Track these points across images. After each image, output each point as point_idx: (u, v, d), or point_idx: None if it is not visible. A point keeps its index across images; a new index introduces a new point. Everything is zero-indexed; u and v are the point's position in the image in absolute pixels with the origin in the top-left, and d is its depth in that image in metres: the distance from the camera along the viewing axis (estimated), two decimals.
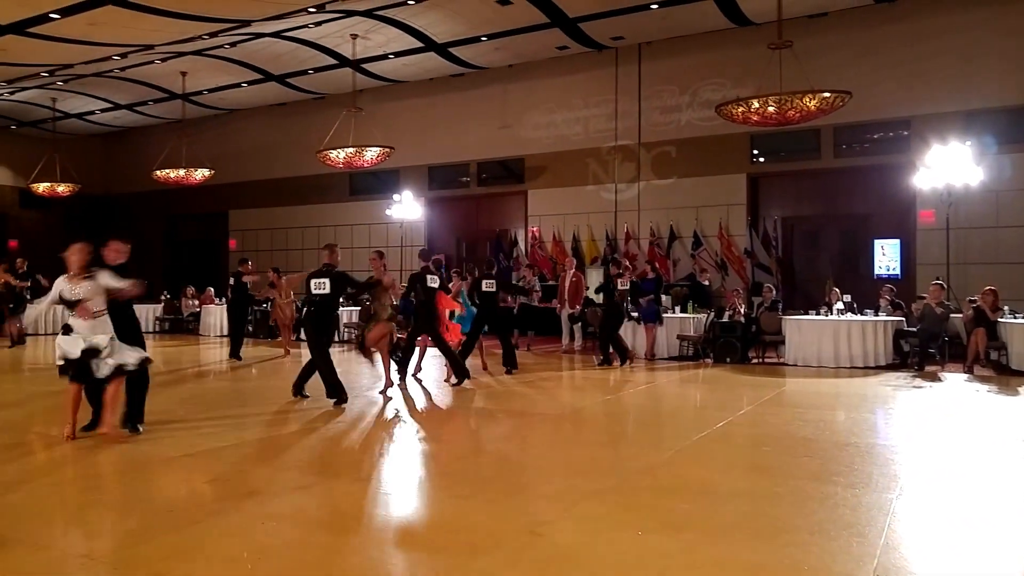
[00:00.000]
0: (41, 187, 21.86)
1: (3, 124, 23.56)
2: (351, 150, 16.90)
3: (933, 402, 9.04)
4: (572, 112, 18.78)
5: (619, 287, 12.27)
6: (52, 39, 14.41)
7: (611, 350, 12.21)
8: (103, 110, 22.47)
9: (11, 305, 15.87)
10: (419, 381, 10.32)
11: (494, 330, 11.40)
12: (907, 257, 15.43)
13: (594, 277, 17.43)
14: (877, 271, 15.56)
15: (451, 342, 10.11)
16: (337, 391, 8.30)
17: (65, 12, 12.93)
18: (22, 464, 5.94)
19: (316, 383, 8.40)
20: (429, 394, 9.57)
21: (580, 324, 14.94)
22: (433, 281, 9.83)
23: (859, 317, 12.26)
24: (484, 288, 11.18)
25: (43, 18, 13.25)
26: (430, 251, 11.72)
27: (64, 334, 6.32)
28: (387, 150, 17.19)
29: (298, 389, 8.67)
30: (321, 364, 8.39)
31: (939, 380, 10.49)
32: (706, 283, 15.45)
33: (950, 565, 3.84)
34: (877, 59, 15.35)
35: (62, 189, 21.84)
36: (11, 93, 19.81)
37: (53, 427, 6.68)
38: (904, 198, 15.06)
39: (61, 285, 6.30)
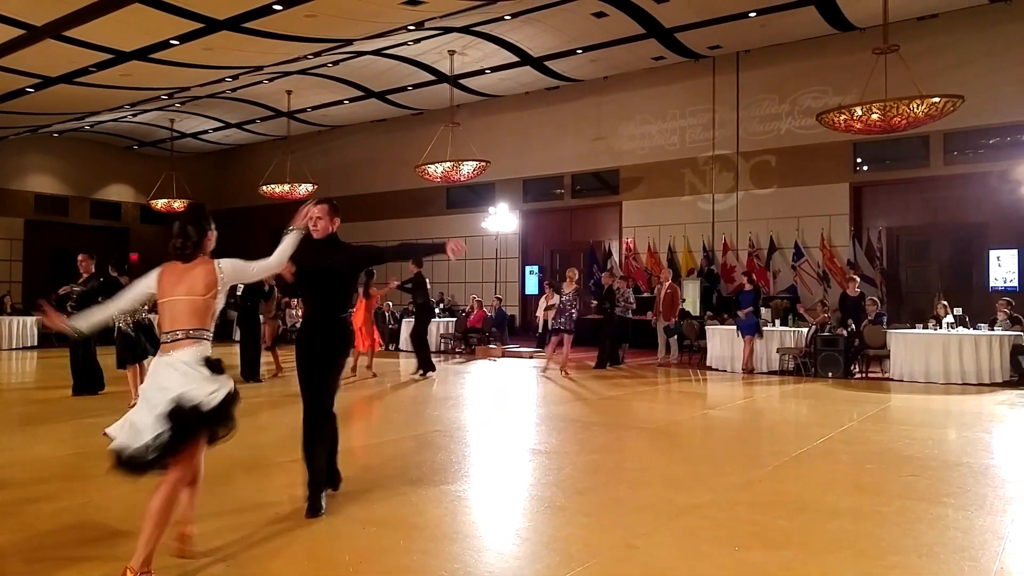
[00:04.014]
0: (159, 203, 23.16)
1: (126, 144, 25.15)
2: (448, 164, 17.24)
3: None
4: (668, 123, 18.63)
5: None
6: (172, 64, 15.30)
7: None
8: (215, 129, 23.67)
9: None
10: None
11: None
12: None
13: (690, 289, 17.23)
14: (993, 283, 14.78)
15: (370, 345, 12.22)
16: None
17: (184, 38, 13.74)
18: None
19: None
20: (521, 403, 9.66)
21: (676, 336, 14.82)
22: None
23: (972, 331, 11.68)
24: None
25: (164, 44, 14.09)
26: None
27: None
28: (483, 164, 17.46)
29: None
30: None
31: None
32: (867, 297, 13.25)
33: None
34: (992, 61, 14.65)
35: (178, 205, 23.07)
36: (134, 115, 21.12)
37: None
38: (1023, 205, 14.28)
39: None
